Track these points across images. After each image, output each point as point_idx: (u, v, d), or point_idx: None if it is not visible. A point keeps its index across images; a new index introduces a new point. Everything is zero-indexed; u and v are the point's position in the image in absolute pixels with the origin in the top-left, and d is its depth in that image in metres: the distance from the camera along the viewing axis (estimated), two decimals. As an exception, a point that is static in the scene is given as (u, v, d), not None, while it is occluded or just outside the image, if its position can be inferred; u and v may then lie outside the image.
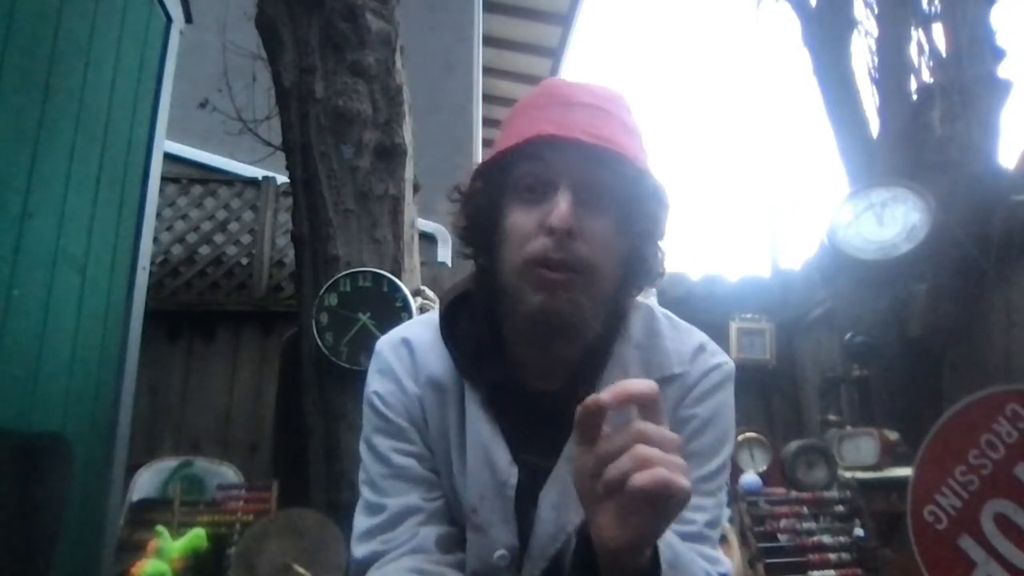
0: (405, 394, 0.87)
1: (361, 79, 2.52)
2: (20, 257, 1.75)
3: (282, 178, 3.71)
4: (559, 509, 0.81)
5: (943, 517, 1.98)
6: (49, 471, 1.92)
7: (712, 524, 0.84)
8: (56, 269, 1.91)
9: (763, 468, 2.93)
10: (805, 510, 2.62)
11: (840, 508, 2.62)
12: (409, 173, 2.65)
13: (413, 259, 2.65)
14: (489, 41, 6.99)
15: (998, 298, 2.76)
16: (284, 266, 4.02)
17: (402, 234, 2.52)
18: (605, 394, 0.62)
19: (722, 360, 0.90)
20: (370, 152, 2.50)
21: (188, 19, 2.70)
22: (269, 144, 3.88)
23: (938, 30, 3.29)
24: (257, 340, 3.93)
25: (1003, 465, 1.94)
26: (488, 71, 7.17)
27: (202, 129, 4.34)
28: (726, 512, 0.89)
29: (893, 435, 2.82)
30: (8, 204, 1.73)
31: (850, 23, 3.72)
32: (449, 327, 0.88)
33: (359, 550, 0.83)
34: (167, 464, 2.69)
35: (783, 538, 2.52)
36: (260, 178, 4.20)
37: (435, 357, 0.87)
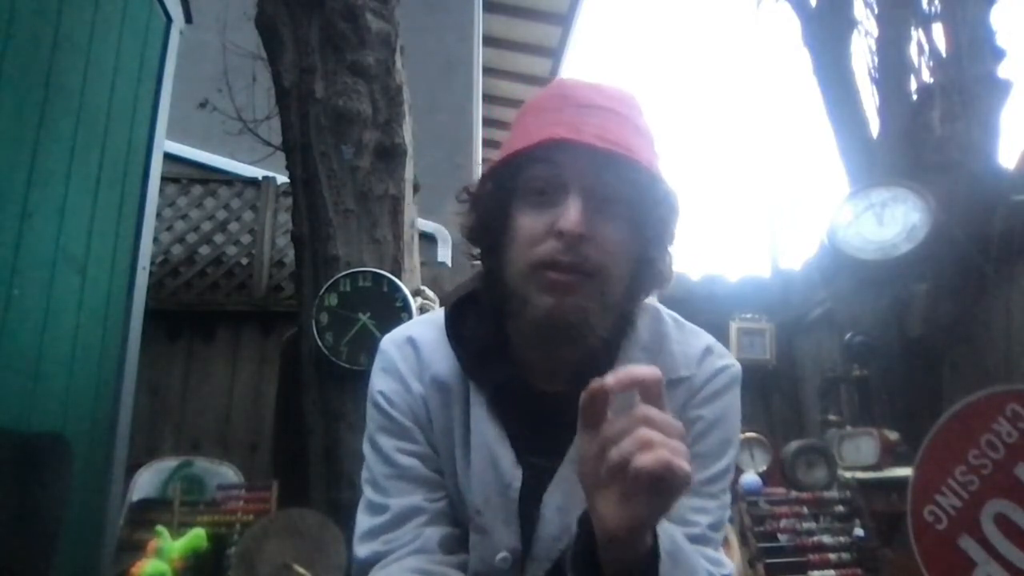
0: (410, 393, 0.86)
1: (361, 79, 2.52)
2: (20, 257, 1.75)
3: (282, 178, 3.71)
4: (563, 511, 0.81)
5: (943, 517, 1.98)
6: (49, 471, 1.92)
7: (715, 526, 0.84)
8: (56, 269, 1.91)
9: (763, 468, 2.93)
10: (805, 510, 2.62)
11: (840, 508, 2.62)
12: (409, 173, 2.65)
13: (413, 259, 2.65)
14: (489, 41, 6.99)
15: (998, 298, 2.76)
16: (284, 266, 4.02)
17: (402, 234, 2.52)
18: (609, 378, 0.63)
19: (729, 363, 0.90)
20: (370, 152, 2.50)
21: (188, 19, 2.70)
22: (269, 144, 3.88)
23: (938, 30, 3.29)
24: (257, 340, 3.93)
25: (1003, 465, 1.94)
26: (488, 71, 7.17)
27: (202, 129, 4.34)
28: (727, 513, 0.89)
29: (893, 435, 2.82)
30: (8, 204, 1.73)
31: (850, 23, 3.72)
32: (455, 327, 0.88)
33: (361, 550, 0.83)
34: (167, 464, 2.69)
35: (783, 538, 2.52)
36: (260, 178, 4.20)
37: (440, 357, 0.87)
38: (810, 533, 2.53)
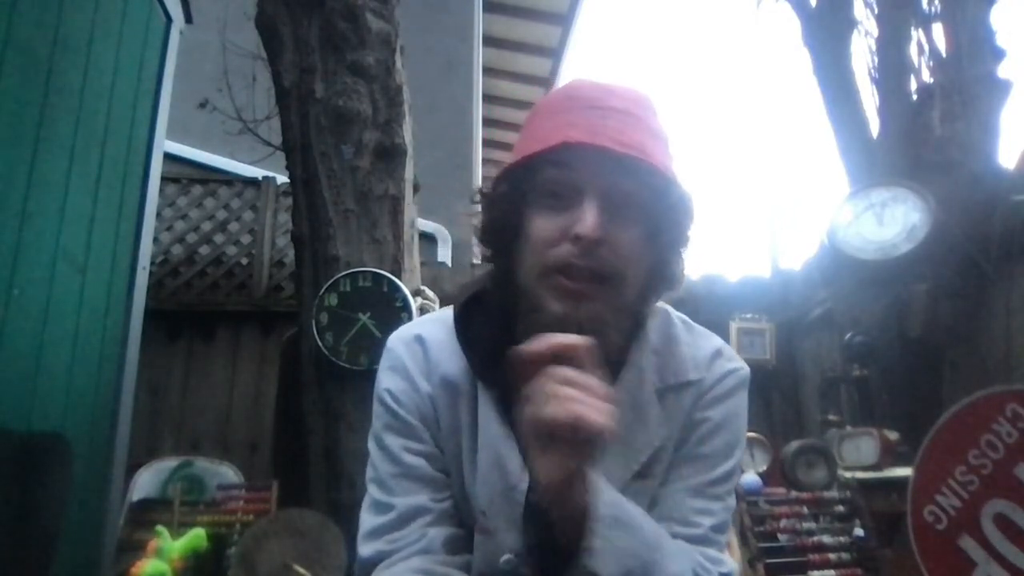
0: (417, 392, 0.86)
1: (361, 79, 2.52)
2: (20, 257, 1.75)
3: (282, 178, 3.71)
4: None
5: (943, 517, 1.98)
6: (49, 471, 1.92)
7: (718, 528, 0.84)
8: (56, 269, 1.91)
9: (763, 468, 2.93)
10: (805, 510, 2.61)
11: (840, 508, 2.62)
12: (409, 173, 2.65)
13: (413, 259, 2.65)
14: (489, 41, 6.99)
15: (998, 298, 2.76)
16: (284, 266, 4.02)
17: (402, 234, 2.52)
18: (524, 346, 0.69)
19: (738, 365, 0.90)
20: (370, 152, 2.50)
21: (188, 19, 2.70)
22: (269, 144, 3.88)
23: (938, 30, 3.29)
24: (257, 340, 3.93)
25: (1003, 465, 1.94)
26: (488, 71, 7.17)
27: (202, 129, 4.34)
28: None
29: (893, 435, 2.82)
30: (8, 204, 1.73)
31: (850, 23, 3.72)
32: (464, 327, 0.88)
33: (365, 549, 0.82)
34: (167, 464, 2.69)
35: (783, 538, 2.52)
36: (260, 178, 4.20)
37: (449, 356, 0.86)
38: (810, 533, 2.53)
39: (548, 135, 0.77)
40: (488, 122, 7.49)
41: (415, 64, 3.00)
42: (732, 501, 0.87)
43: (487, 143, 7.50)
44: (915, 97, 3.35)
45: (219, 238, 4.15)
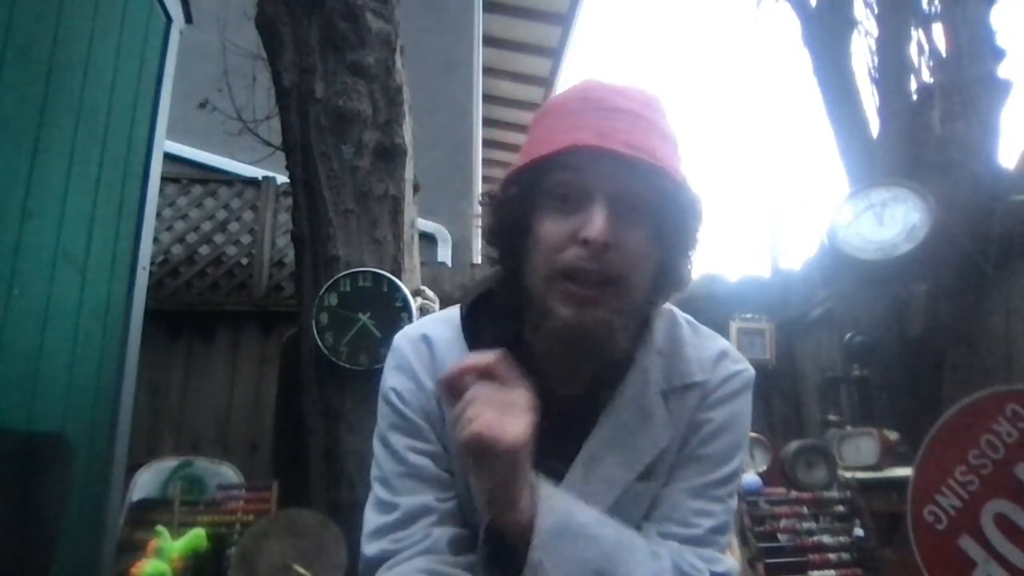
0: (423, 392, 0.86)
1: (361, 79, 2.52)
2: (20, 257, 1.75)
3: (282, 178, 3.71)
4: None
5: (943, 517, 1.98)
6: (49, 471, 1.92)
7: (718, 530, 0.83)
8: (56, 269, 1.91)
9: (763, 468, 2.92)
10: (805, 510, 2.61)
11: (840, 508, 2.62)
12: (409, 173, 2.65)
13: (413, 259, 2.65)
14: (489, 41, 6.99)
15: (998, 298, 2.76)
16: (284, 266, 4.02)
17: (402, 234, 2.52)
18: (444, 374, 0.73)
19: (742, 367, 0.90)
20: (370, 152, 2.50)
21: (188, 19, 2.70)
22: (269, 144, 3.88)
23: (938, 30, 3.29)
24: (257, 340, 3.93)
25: (1003, 465, 1.94)
26: (488, 71, 7.17)
27: (202, 129, 4.34)
28: None
29: (893, 435, 2.82)
30: (8, 204, 1.73)
31: (850, 23, 3.72)
32: (471, 327, 0.88)
33: (369, 548, 0.82)
34: (167, 464, 2.68)
35: (783, 538, 2.52)
36: (260, 178, 4.20)
37: (455, 356, 0.86)
38: (810, 533, 2.53)
39: (557, 137, 0.76)
40: (488, 122, 7.50)
41: (415, 64, 3.00)
42: (734, 503, 0.87)
43: (487, 143, 7.50)
44: (915, 97, 3.35)
45: (219, 238, 4.15)
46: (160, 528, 2.23)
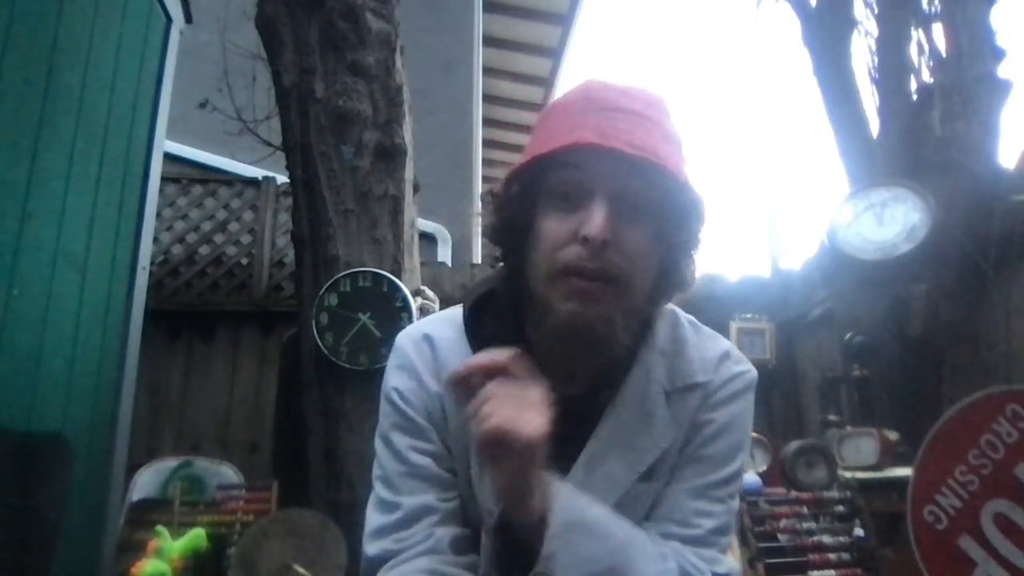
0: (426, 392, 0.86)
1: (361, 79, 2.52)
2: (20, 257, 1.75)
3: (282, 178, 3.70)
4: None
5: (943, 517, 1.98)
6: (49, 471, 1.92)
7: (719, 530, 0.83)
8: (56, 269, 1.91)
9: (763, 468, 2.92)
10: (805, 510, 2.61)
11: (840, 508, 2.62)
12: (409, 173, 2.65)
13: (413, 259, 2.65)
14: (489, 41, 6.99)
15: (998, 298, 2.75)
16: (284, 266, 4.02)
17: (402, 234, 2.52)
18: (457, 370, 0.73)
19: (745, 368, 0.90)
20: (370, 152, 2.50)
21: (188, 19, 2.70)
22: (269, 144, 3.88)
23: (938, 30, 3.29)
24: (257, 340, 3.93)
25: (1003, 465, 1.94)
26: (488, 71, 7.17)
27: (202, 129, 4.34)
28: None
29: (893, 435, 2.82)
30: (8, 204, 1.73)
31: (850, 23, 3.72)
32: (474, 327, 0.87)
33: (371, 548, 0.82)
34: (167, 464, 2.68)
35: (783, 538, 2.52)
36: (260, 178, 4.20)
37: (458, 356, 0.86)
38: (810, 533, 2.53)
39: (559, 136, 0.77)
40: (488, 122, 7.50)
41: (415, 64, 3.00)
42: (735, 504, 0.87)
43: (487, 143, 7.51)
44: (915, 97, 3.36)
45: (219, 238, 4.14)
46: (160, 528, 2.22)
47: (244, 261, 4.09)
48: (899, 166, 3.26)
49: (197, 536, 2.25)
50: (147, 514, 2.45)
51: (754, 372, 0.91)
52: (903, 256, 2.97)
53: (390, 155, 2.53)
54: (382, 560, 0.81)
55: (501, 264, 0.88)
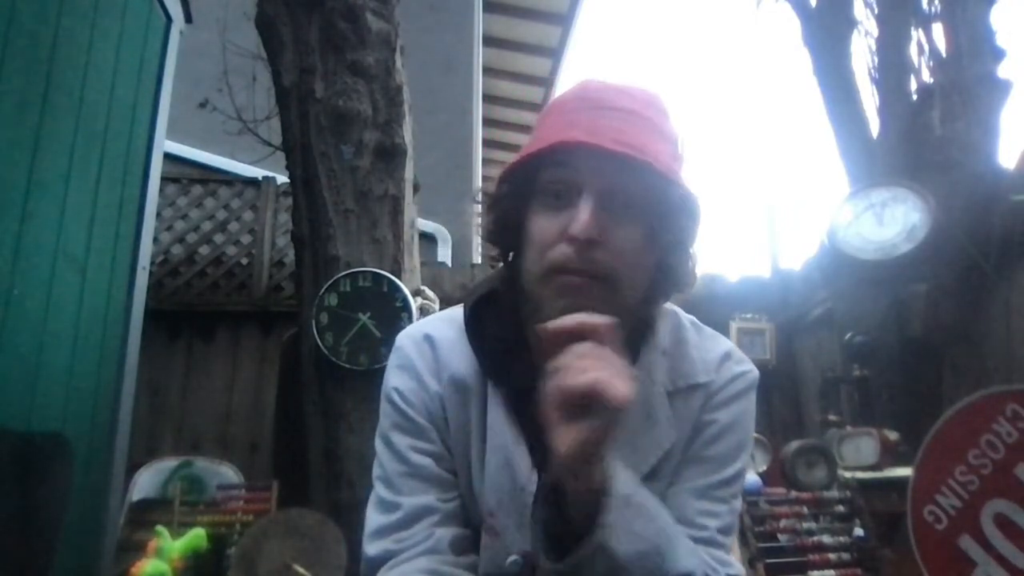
0: (426, 392, 0.86)
1: (361, 79, 2.52)
2: (20, 257, 1.75)
3: (282, 178, 3.71)
4: None
5: (943, 517, 1.98)
6: (49, 471, 1.92)
7: (725, 530, 0.83)
8: (56, 269, 1.91)
9: (763, 468, 2.92)
10: (805, 510, 2.61)
11: (840, 508, 2.62)
12: (409, 173, 2.65)
13: (413, 259, 2.65)
14: (489, 41, 6.98)
15: (998, 298, 2.76)
16: (284, 266, 4.02)
17: (402, 234, 2.52)
18: (551, 323, 0.69)
19: (747, 368, 0.90)
20: (370, 152, 2.50)
21: (188, 19, 2.70)
22: (269, 144, 3.88)
23: (938, 30, 3.29)
24: (257, 340, 3.93)
25: (1003, 465, 1.94)
26: (488, 71, 7.16)
27: (202, 129, 4.34)
28: None
29: (893, 435, 2.82)
30: (8, 204, 1.73)
31: (850, 23, 3.72)
32: (475, 327, 0.87)
33: (371, 548, 0.82)
34: (167, 464, 2.68)
35: (783, 538, 2.52)
36: (260, 178, 4.20)
37: (458, 356, 0.86)
38: (810, 533, 2.53)
39: (551, 135, 0.76)
40: (488, 122, 7.50)
41: (415, 64, 3.00)
42: (738, 504, 0.87)
43: (487, 143, 7.50)
44: (915, 97, 3.36)
45: (219, 238, 4.14)
46: (160, 528, 2.22)
47: (244, 261, 4.09)
48: (899, 166, 3.26)
49: (197, 536, 2.25)
50: (147, 514, 2.45)
51: (756, 372, 0.91)
52: (903, 256, 2.97)
53: (390, 155, 2.53)
54: (382, 560, 0.80)
55: (501, 264, 0.88)
